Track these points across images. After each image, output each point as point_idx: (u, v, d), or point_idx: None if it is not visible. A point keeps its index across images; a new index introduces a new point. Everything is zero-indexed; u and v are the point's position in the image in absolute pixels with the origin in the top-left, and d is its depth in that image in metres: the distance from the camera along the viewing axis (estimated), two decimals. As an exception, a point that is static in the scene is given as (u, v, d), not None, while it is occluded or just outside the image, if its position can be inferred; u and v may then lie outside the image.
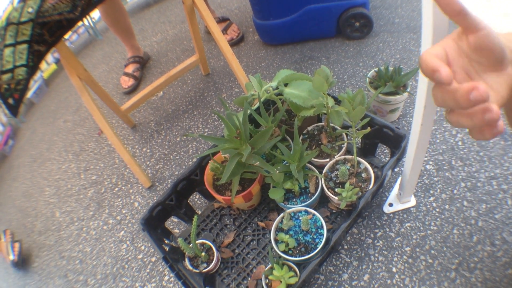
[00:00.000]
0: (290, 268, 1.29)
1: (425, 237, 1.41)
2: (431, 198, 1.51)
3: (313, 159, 1.40)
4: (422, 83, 0.92)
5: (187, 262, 1.38)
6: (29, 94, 3.20)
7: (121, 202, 2.02)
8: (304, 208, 1.36)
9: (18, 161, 2.78)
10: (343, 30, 2.30)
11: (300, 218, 1.32)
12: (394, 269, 1.37)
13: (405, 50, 2.14)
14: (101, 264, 1.78)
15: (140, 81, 2.78)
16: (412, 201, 1.50)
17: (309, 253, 1.24)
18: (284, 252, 1.28)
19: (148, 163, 2.16)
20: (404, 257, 1.39)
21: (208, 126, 2.18)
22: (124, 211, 1.97)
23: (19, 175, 2.62)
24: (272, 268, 1.27)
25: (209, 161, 1.40)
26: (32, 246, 2.05)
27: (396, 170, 1.63)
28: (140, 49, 2.87)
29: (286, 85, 1.38)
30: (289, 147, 1.46)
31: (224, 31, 2.70)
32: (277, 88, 1.39)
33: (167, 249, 1.34)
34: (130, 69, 2.76)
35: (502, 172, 1.50)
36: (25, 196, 2.42)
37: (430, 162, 1.61)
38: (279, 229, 1.34)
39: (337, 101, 1.39)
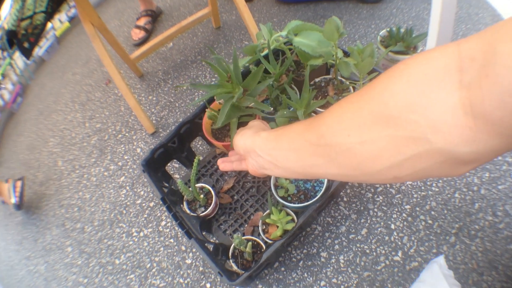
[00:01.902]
0: (288, 215, 1.30)
1: (426, 197, 1.42)
2: None
3: (318, 108, 1.39)
4: (431, 45, 0.91)
5: (185, 206, 1.39)
6: (41, 52, 3.23)
7: (123, 148, 2.05)
8: None
9: (24, 116, 2.81)
10: None
11: (303, 165, 1.32)
12: (392, 226, 1.39)
13: (418, 18, 2.13)
14: (99, 211, 1.81)
15: (151, 33, 2.79)
16: None
17: (308, 201, 1.25)
18: (283, 198, 1.29)
19: (153, 110, 2.17)
20: (404, 215, 1.40)
21: (216, 75, 2.16)
22: (126, 157, 2.00)
23: (25, 129, 2.65)
24: (270, 214, 1.28)
25: (206, 110, 1.39)
26: (32, 198, 2.08)
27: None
28: (153, 3, 2.87)
29: (296, 35, 1.36)
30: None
31: None
32: (287, 37, 1.39)
33: (166, 191, 1.34)
34: (142, 22, 2.78)
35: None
36: (29, 149, 2.45)
37: None
38: None
39: (346, 54, 1.37)
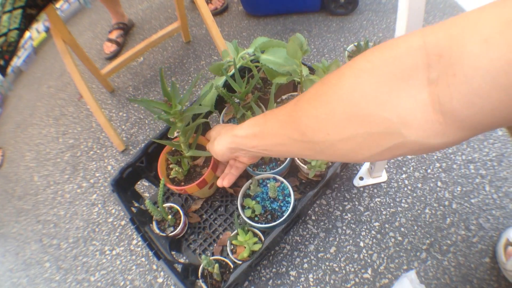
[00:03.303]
0: (255, 235, 1.29)
1: (395, 214, 1.41)
2: (403, 175, 1.51)
3: None
4: None
5: (154, 226, 1.38)
6: (19, 62, 3.18)
7: (95, 165, 2.02)
8: (272, 175, 1.34)
9: (3, 128, 2.75)
10: (328, 5, 2.27)
11: (268, 185, 1.30)
12: (361, 244, 1.37)
13: (389, 30, 2.13)
14: (74, 228, 1.79)
15: (122, 47, 2.76)
16: (384, 177, 1.50)
17: (275, 221, 1.23)
18: (250, 218, 1.27)
19: (123, 127, 2.14)
20: (373, 232, 1.39)
21: (183, 92, 2.15)
22: (97, 175, 1.97)
23: (3, 142, 2.59)
24: (237, 234, 1.26)
25: (161, 154, 1.37)
26: (11, 212, 2.05)
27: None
28: (125, 16, 2.84)
29: (263, 52, 1.35)
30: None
31: (209, 0, 2.68)
32: (253, 54, 1.37)
33: (135, 212, 1.33)
34: (114, 35, 2.75)
35: (481, 157, 1.49)
36: (8, 162, 2.40)
37: None
38: (246, 195, 1.33)
39: (312, 71, 1.37)
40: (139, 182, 1.54)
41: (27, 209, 2.00)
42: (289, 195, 1.29)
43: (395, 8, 2.24)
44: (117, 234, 1.68)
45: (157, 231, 1.37)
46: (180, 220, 1.40)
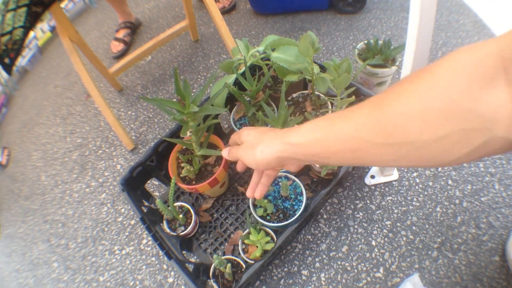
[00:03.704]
0: (267, 234, 1.28)
1: (407, 212, 1.40)
2: (415, 174, 1.49)
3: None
4: (409, 55, 0.89)
5: (165, 225, 1.37)
6: (24, 62, 3.16)
7: (104, 164, 2.01)
8: (284, 174, 1.33)
9: (9, 127, 2.73)
10: (336, 4, 2.26)
11: (280, 183, 1.30)
12: (373, 243, 1.36)
13: (397, 28, 2.12)
14: (82, 227, 1.77)
15: (130, 46, 2.74)
16: (395, 175, 1.49)
17: (287, 220, 1.22)
18: (262, 217, 1.26)
19: (132, 126, 2.12)
20: (385, 231, 1.38)
21: (194, 90, 2.14)
22: (106, 174, 1.96)
23: (9, 142, 2.57)
24: (249, 233, 1.26)
25: (171, 152, 1.38)
26: (18, 212, 2.04)
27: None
28: (132, 15, 2.83)
29: (273, 50, 1.34)
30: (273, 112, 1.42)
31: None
32: (264, 52, 1.37)
33: (145, 211, 1.32)
34: (121, 34, 2.74)
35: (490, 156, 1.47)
36: (14, 162, 2.39)
37: None
38: None
39: (323, 69, 1.35)
40: (149, 181, 1.53)
41: (34, 208, 1.99)
42: (301, 194, 1.28)
43: (402, 6, 2.24)
44: (126, 233, 1.67)
45: (167, 230, 1.35)
46: (191, 219, 1.39)
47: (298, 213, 1.22)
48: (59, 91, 2.72)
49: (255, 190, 0.99)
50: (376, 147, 0.58)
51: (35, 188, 2.11)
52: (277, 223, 1.24)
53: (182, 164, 1.31)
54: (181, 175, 1.33)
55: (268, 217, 1.27)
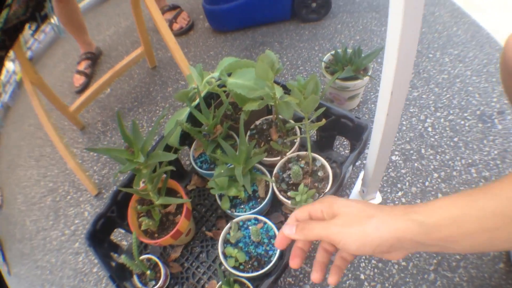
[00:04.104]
0: (243, 285, 1.15)
1: (396, 237, 1.26)
2: (400, 193, 1.39)
3: (267, 159, 1.25)
4: (389, 64, 0.75)
5: (135, 279, 1.26)
6: (6, 97, 3.10)
7: (73, 211, 1.91)
8: (253, 215, 1.20)
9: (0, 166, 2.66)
10: (299, 12, 2.16)
11: (250, 228, 1.16)
12: (362, 276, 1.25)
13: (366, 31, 2.03)
14: (65, 276, 1.69)
15: (91, 78, 2.65)
16: (378, 198, 1.36)
17: (262, 268, 1.09)
18: (234, 267, 1.13)
19: (95, 168, 2.02)
20: (373, 261, 1.27)
21: (151, 124, 2.05)
22: (76, 221, 1.85)
23: (1, 182, 2.49)
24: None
25: (130, 202, 1.27)
26: (16, 254, 1.96)
27: (357, 163, 1.49)
28: (92, 44, 2.75)
29: (230, 75, 1.22)
30: (235, 146, 1.30)
31: (174, 19, 2.60)
32: (220, 79, 1.24)
33: (114, 265, 1.25)
34: (82, 66, 2.65)
35: (482, 158, 1.40)
36: (6, 203, 2.30)
37: (396, 152, 1.49)
38: (227, 241, 1.18)
39: (287, 90, 1.21)
40: (116, 230, 1.43)
41: (26, 253, 1.91)
42: (275, 237, 1.15)
43: (371, 7, 2.17)
44: (103, 285, 1.58)
45: (139, 285, 1.25)
46: (161, 273, 1.27)
47: (273, 259, 1.10)
48: (32, 130, 2.62)
49: (323, 271, 0.73)
50: None
51: (24, 232, 2.03)
52: (251, 272, 1.10)
53: (140, 219, 1.21)
54: (142, 228, 1.23)
55: (241, 267, 1.14)
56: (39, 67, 2.96)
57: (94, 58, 2.75)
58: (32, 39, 3.12)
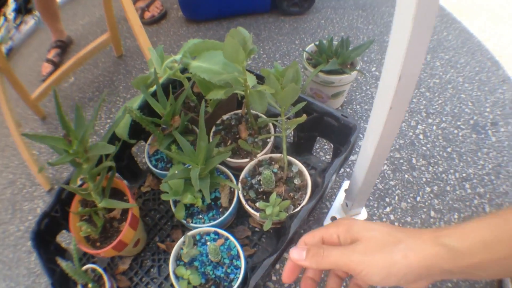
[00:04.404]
0: None
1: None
2: (388, 208, 1.24)
3: (228, 158, 1.05)
4: (396, 53, 0.58)
5: None
6: None
7: (27, 206, 1.79)
8: (213, 229, 0.99)
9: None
10: (279, 4, 2.06)
11: (208, 243, 0.95)
12: None
13: (352, 28, 1.93)
14: (21, 275, 1.56)
15: (58, 67, 2.54)
16: (363, 214, 1.18)
17: None
18: None
19: (50, 161, 1.82)
20: None
21: (111, 116, 1.94)
22: (30, 217, 1.74)
23: None
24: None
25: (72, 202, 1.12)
26: None
27: (340, 171, 1.30)
28: (64, 32, 2.68)
29: (194, 58, 1.03)
30: (196, 143, 1.10)
31: (146, 8, 2.51)
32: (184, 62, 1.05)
33: (58, 272, 1.09)
34: (51, 54, 2.57)
35: (476, 172, 1.31)
36: None
37: (385, 161, 1.33)
38: (180, 258, 0.98)
39: (261, 81, 1.04)
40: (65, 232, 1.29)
41: None
42: (238, 257, 0.95)
43: (357, 4, 2.09)
44: None
45: None
46: (105, 287, 1.09)
47: (235, 285, 0.90)
48: (1, 120, 2.50)
49: None
50: None
51: (-14, 224, 1.99)
52: None
53: (78, 223, 1.04)
54: (81, 234, 1.06)
55: None
56: (15, 56, 2.91)
57: (64, 47, 2.67)
58: (14, 30, 3.08)
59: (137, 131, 1.14)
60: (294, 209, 0.95)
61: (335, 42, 1.33)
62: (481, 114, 1.45)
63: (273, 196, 0.93)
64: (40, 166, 0.94)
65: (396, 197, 1.24)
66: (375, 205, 1.23)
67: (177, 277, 0.94)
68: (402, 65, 0.56)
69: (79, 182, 1.05)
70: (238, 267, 0.93)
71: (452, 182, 1.27)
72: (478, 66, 1.63)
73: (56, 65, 2.50)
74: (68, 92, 2.26)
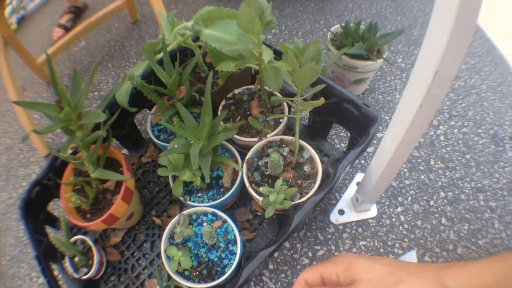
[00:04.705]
0: None
1: (386, 264, 1.05)
2: (399, 209, 1.19)
3: (235, 135, 0.99)
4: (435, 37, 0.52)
5: (67, 263, 1.07)
6: None
7: (23, 172, 1.78)
8: (211, 209, 0.94)
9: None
10: None
11: (205, 224, 0.90)
12: None
13: (380, 16, 1.85)
14: (8, 244, 1.56)
15: (70, 32, 2.48)
16: (373, 211, 1.14)
17: (212, 279, 0.85)
18: (177, 273, 0.88)
19: (37, 129, 1.79)
20: None
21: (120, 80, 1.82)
22: (24, 184, 1.72)
23: None
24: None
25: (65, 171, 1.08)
26: None
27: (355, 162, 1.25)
28: None
29: (207, 26, 0.97)
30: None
31: None
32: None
33: (44, 243, 1.06)
34: (64, 19, 2.54)
35: (491, 185, 1.24)
36: None
37: (404, 161, 1.29)
38: (173, 237, 0.93)
39: (279, 56, 0.96)
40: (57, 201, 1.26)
41: None
42: (234, 242, 0.89)
43: None
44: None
45: (70, 270, 1.06)
46: (93, 261, 1.07)
47: (228, 272, 0.85)
48: (2, 86, 2.48)
49: None
50: None
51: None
52: (198, 282, 0.86)
53: (68, 194, 1.00)
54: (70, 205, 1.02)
55: (186, 273, 0.89)
56: (27, 23, 2.87)
57: (78, 12, 2.63)
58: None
59: (141, 99, 1.08)
60: (300, 198, 0.88)
61: (362, 27, 1.27)
62: (501, 126, 1.41)
63: (278, 182, 0.87)
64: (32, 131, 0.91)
65: (409, 198, 1.20)
66: (387, 203, 1.18)
67: (168, 257, 0.90)
68: (440, 60, 0.51)
69: (70, 151, 1.04)
70: (233, 253, 0.88)
71: (467, 191, 1.23)
72: (500, 78, 1.58)
73: (68, 30, 2.48)
74: (78, 56, 2.24)
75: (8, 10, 2.75)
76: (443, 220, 1.16)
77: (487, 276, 0.48)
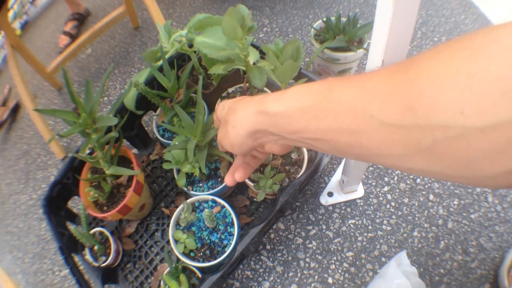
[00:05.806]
0: (194, 274, 1.04)
1: (374, 240, 1.16)
2: (386, 188, 1.25)
3: None
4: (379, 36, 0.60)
5: (87, 253, 1.18)
6: None
7: (41, 175, 1.86)
8: (211, 197, 1.05)
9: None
10: None
11: (206, 210, 1.01)
12: (330, 280, 1.12)
13: (368, 4, 1.90)
14: (30, 243, 1.65)
15: (75, 39, 2.51)
16: (360, 191, 1.22)
17: (214, 258, 0.97)
18: (184, 254, 1.00)
19: (65, 130, 1.88)
20: (345, 264, 1.14)
21: (126, 87, 1.93)
22: (43, 186, 1.80)
23: None
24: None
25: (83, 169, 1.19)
26: None
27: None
28: (81, 5, 2.68)
29: (199, 34, 1.07)
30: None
31: None
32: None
33: (67, 236, 1.15)
34: (68, 27, 2.59)
35: None
36: None
37: None
38: (179, 223, 1.05)
39: (263, 54, 1.05)
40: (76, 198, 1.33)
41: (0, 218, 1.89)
42: (232, 225, 1.01)
43: None
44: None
45: (90, 260, 1.17)
46: (110, 249, 1.18)
47: (228, 250, 0.96)
48: (13, 91, 2.59)
49: (235, 173, 0.72)
50: (385, 130, 0.38)
51: (-3, 196, 2.04)
52: (202, 262, 0.98)
53: (87, 189, 1.11)
54: (89, 199, 1.13)
55: (192, 254, 1.01)
56: (30, 29, 2.94)
57: (82, 19, 2.68)
58: (29, 4, 3.09)
59: (147, 102, 1.17)
60: (288, 182, 0.99)
61: (344, 19, 1.33)
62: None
63: (267, 169, 0.98)
64: (51, 136, 1.01)
65: (396, 177, 1.25)
66: (373, 183, 1.25)
67: (176, 241, 1.01)
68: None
69: (87, 151, 1.12)
70: (231, 234, 0.99)
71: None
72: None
73: (73, 37, 2.53)
74: (85, 63, 2.30)
75: (10, 15, 2.80)
76: (431, 197, 1.20)
77: (303, 97, 0.47)
